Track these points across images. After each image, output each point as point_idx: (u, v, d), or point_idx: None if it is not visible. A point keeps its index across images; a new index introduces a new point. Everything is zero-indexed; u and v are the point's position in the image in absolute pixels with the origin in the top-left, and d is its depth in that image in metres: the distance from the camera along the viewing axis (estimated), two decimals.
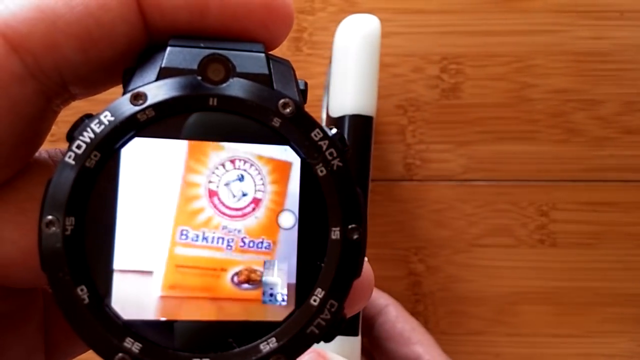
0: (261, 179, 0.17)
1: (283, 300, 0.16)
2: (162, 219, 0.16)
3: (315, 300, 0.16)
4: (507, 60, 0.42)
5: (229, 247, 0.16)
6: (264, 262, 0.16)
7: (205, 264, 0.16)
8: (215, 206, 0.16)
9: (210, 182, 0.16)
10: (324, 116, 0.38)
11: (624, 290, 0.42)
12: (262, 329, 0.16)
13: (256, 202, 0.17)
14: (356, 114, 0.33)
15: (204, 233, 0.16)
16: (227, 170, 0.17)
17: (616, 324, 0.42)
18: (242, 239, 0.16)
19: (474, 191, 0.42)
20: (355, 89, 0.33)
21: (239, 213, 0.17)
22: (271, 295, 0.16)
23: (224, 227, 0.16)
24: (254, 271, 0.16)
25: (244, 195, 0.17)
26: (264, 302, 0.16)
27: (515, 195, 0.42)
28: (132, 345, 0.15)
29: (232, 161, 0.16)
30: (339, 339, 0.32)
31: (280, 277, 0.16)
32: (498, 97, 0.42)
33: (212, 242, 0.16)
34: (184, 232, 0.16)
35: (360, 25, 0.33)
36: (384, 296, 0.38)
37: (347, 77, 0.33)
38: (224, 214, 0.17)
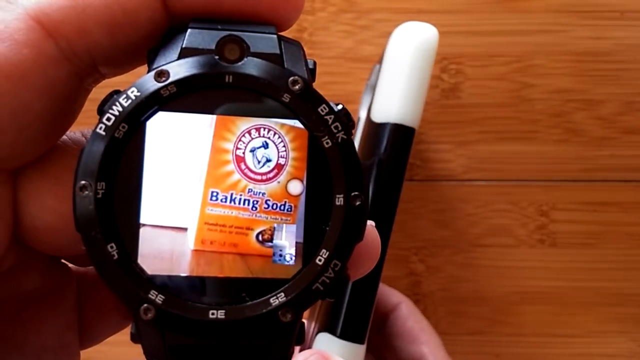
0: (284, 146, 0.18)
1: (291, 259, 0.18)
2: (193, 182, 0.18)
3: (320, 260, 0.17)
4: (507, 60, 0.42)
5: (254, 209, 0.18)
6: (273, 227, 0.18)
7: (233, 223, 0.18)
8: (242, 171, 0.18)
9: (237, 148, 0.18)
10: (363, 115, 0.38)
11: (624, 290, 0.42)
12: (273, 285, 0.17)
13: (279, 167, 0.18)
14: (399, 124, 0.32)
15: (232, 195, 0.18)
16: (252, 138, 0.18)
17: (616, 324, 0.42)
18: (266, 201, 0.18)
19: (474, 191, 0.42)
20: (403, 99, 0.32)
21: (264, 177, 0.18)
22: (280, 255, 0.18)
23: (250, 190, 0.18)
24: None
25: (268, 161, 0.18)
26: (273, 261, 0.18)
27: (515, 195, 0.42)
28: (156, 297, 0.17)
29: (257, 129, 0.18)
30: (344, 344, 0.32)
31: (288, 240, 0.18)
32: (498, 97, 0.42)
33: (239, 203, 0.18)
34: (214, 194, 0.18)
35: (418, 34, 0.32)
36: (397, 294, 0.39)
37: (397, 85, 0.32)
38: (249, 178, 0.18)
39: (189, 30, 0.17)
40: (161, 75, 0.17)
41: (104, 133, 0.17)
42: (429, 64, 0.33)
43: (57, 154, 0.18)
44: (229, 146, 0.18)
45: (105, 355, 0.36)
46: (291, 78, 0.17)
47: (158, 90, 0.17)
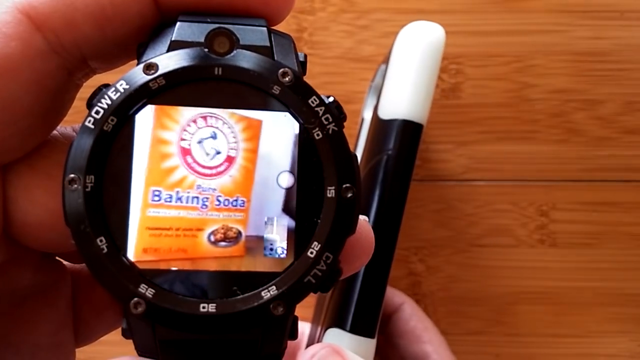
0: (234, 136, 0.17)
1: (282, 253, 0.17)
2: (135, 181, 0.17)
3: (312, 253, 0.17)
4: (507, 60, 0.42)
5: (204, 207, 0.17)
6: (267, 219, 0.17)
7: (180, 225, 0.17)
8: (188, 165, 0.17)
9: (182, 139, 0.17)
10: (367, 116, 0.38)
11: (624, 290, 0.42)
12: (264, 278, 0.17)
13: (230, 160, 0.17)
14: (408, 120, 0.32)
15: (177, 193, 0.17)
16: (199, 127, 0.17)
17: (616, 324, 0.42)
18: (217, 197, 0.17)
19: (474, 191, 0.42)
20: (411, 95, 0.32)
21: (214, 172, 0.17)
22: (271, 249, 0.17)
23: (199, 186, 0.17)
24: (230, 229, 0.17)
25: (218, 153, 0.17)
26: (265, 255, 0.17)
27: (515, 195, 0.42)
28: (146, 290, 0.16)
29: (204, 117, 0.17)
30: (355, 339, 0.32)
31: (279, 233, 0.17)
32: (498, 97, 0.42)
33: (187, 202, 0.17)
34: (157, 193, 0.17)
35: (426, 33, 0.33)
36: (400, 294, 0.39)
37: (406, 82, 0.32)
38: (197, 172, 0.17)
39: (178, 23, 0.17)
40: (150, 67, 0.17)
41: (92, 126, 0.17)
42: (436, 62, 0.33)
43: (47, 149, 0.18)
44: (172, 137, 0.17)
45: (105, 355, 0.36)
46: (281, 70, 0.17)
47: (147, 83, 0.17)
